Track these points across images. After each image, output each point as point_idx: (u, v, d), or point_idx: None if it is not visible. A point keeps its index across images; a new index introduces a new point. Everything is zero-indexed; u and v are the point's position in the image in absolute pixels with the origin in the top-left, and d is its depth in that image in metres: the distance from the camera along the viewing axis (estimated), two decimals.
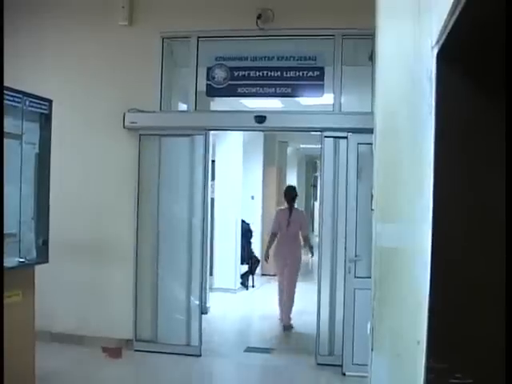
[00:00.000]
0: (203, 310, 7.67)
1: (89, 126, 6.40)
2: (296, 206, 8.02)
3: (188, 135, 6.22)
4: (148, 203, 6.26)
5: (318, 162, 20.33)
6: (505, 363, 1.45)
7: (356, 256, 5.70)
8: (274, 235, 7.82)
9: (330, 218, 5.95)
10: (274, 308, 8.56)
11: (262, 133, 10.95)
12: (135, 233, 6.23)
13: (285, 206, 7.94)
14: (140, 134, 6.27)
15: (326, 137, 5.95)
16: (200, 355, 6.12)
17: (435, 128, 1.74)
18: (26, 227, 4.30)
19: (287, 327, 7.58)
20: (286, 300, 7.70)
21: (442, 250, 1.71)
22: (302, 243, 7.81)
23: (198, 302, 6.14)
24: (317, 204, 21.05)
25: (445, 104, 1.71)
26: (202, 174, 6.23)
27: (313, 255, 8.28)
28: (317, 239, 9.65)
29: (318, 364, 5.91)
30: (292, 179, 15.65)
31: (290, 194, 7.90)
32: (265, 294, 10.04)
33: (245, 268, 10.50)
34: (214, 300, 8.70)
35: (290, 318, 7.66)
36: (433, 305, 1.69)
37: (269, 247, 7.97)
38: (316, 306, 6.00)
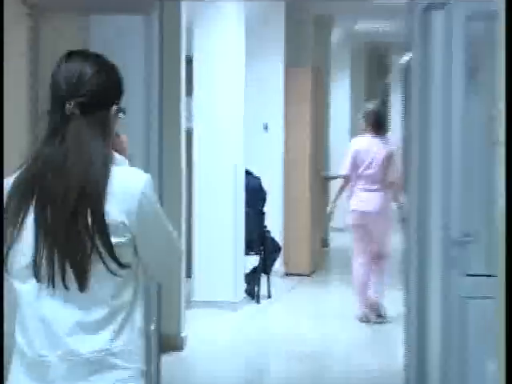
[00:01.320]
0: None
1: None
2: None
3: (139, 11, 5.57)
4: None
5: (393, 56, 19.76)
6: None
7: (465, 235, 5.28)
8: (347, 179, 8.86)
9: (417, 162, 5.64)
10: (308, 338, 8.09)
11: (282, 2, 10.25)
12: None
13: (367, 135, 8.85)
14: (38, 11, 5.73)
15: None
16: None
17: None
18: None
19: (374, 316, 8.66)
20: (374, 280, 8.77)
21: None
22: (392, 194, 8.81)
23: (153, 328, 5.58)
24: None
25: None
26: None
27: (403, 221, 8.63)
28: None
29: None
30: (343, 91, 15.34)
31: (376, 117, 8.84)
32: (292, 311, 9.37)
33: (253, 261, 9.64)
34: (194, 324, 8.08)
35: (378, 305, 8.72)
36: None
37: (338, 197, 9.23)
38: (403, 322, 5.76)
